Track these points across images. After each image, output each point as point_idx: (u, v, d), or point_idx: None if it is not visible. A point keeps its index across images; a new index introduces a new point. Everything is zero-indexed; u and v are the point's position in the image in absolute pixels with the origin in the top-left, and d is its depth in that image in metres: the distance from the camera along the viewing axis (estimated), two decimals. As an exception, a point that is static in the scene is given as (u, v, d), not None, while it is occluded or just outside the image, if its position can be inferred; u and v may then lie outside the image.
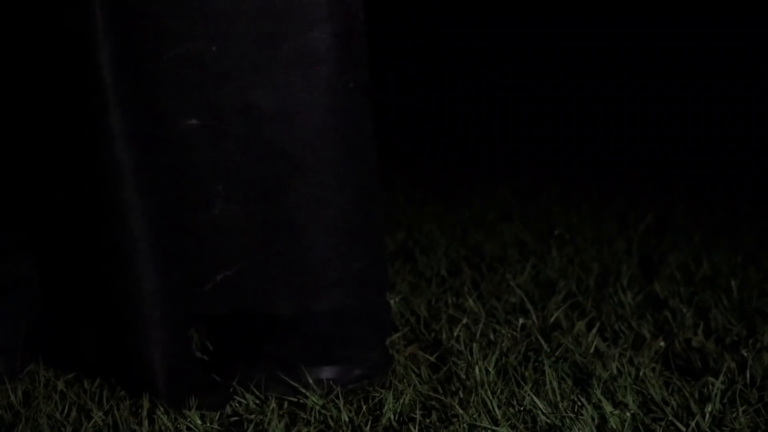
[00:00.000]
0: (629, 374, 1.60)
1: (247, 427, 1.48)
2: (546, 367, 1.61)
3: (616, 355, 1.68)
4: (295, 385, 1.58)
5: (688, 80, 5.05)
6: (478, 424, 1.44)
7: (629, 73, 5.28)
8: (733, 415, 1.45)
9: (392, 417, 1.50)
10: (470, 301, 1.99)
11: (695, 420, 1.44)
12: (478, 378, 1.59)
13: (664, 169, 3.79)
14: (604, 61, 5.36)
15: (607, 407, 1.47)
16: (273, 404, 1.53)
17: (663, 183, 3.50)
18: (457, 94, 5.40)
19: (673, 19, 5.43)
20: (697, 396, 1.53)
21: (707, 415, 1.46)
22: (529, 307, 1.95)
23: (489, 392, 1.53)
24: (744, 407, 1.47)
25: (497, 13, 5.75)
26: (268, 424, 1.48)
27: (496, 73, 5.51)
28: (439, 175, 3.72)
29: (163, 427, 1.49)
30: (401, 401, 1.53)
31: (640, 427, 1.45)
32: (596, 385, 1.55)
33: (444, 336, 1.83)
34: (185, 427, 1.49)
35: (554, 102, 5.10)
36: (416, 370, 1.68)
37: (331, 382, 1.60)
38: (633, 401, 1.51)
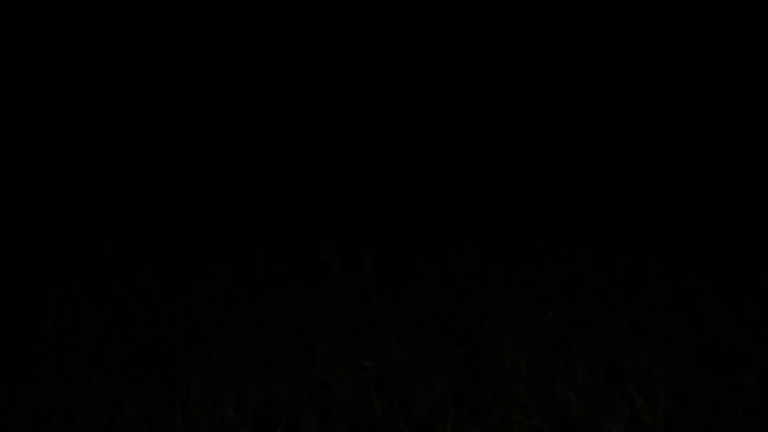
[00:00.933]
0: (661, 367, 1.59)
1: (280, 420, 1.49)
2: (577, 361, 1.61)
3: (648, 349, 1.67)
4: None
5: (717, 77, 5.02)
6: (511, 417, 1.44)
7: (660, 70, 5.26)
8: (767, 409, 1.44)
9: (424, 410, 1.51)
10: (500, 294, 1.99)
11: (728, 414, 1.43)
12: (510, 371, 1.59)
13: (691, 163, 3.76)
14: (639, 61, 5.33)
15: (640, 401, 1.47)
16: (305, 397, 1.54)
17: (690, 176, 3.48)
18: (488, 93, 5.40)
19: (696, 22, 5.40)
20: (729, 389, 1.53)
21: (740, 409, 1.45)
22: (559, 300, 1.94)
23: (521, 385, 1.53)
24: (777, 401, 1.47)
25: (529, 15, 5.74)
26: (301, 416, 1.49)
27: (525, 74, 5.51)
28: (465, 169, 3.71)
29: (197, 420, 1.50)
30: (433, 394, 1.54)
31: (673, 421, 1.44)
32: (628, 379, 1.55)
33: (474, 329, 1.83)
34: (219, 420, 1.50)
35: (580, 100, 5.08)
36: (447, 363, 1.68)
37: None
38: (665, 395, 1.51)
